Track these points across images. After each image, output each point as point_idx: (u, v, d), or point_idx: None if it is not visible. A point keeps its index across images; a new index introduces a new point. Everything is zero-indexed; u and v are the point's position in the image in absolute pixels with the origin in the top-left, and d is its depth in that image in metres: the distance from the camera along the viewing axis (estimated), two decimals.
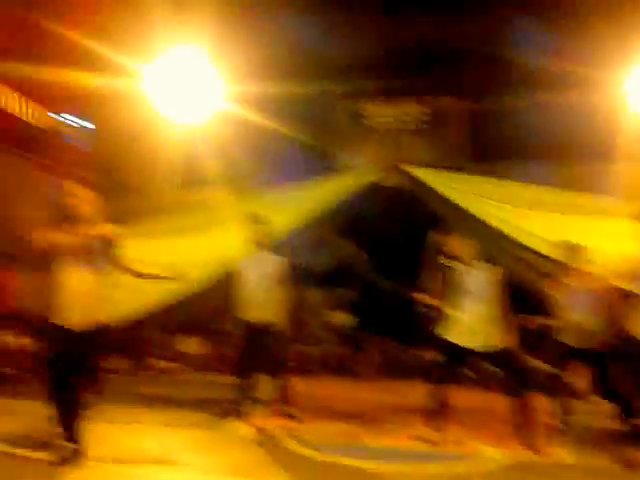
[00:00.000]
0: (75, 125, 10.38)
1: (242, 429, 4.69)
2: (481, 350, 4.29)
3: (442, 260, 4.42)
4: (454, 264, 4.39)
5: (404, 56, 10.05)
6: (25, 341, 7.26)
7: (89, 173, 9.59)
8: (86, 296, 3.61)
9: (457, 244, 4.42)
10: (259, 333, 5.03)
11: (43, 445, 3.65)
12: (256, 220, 5.22)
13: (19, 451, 3.71)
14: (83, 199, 3.91)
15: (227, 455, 3.93)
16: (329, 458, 3.87)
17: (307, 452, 4.03)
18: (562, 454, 4.20)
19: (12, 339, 7.11)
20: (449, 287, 4.35)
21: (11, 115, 8.25)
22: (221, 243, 6.97)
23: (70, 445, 3.49)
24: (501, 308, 4.30)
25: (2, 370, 6.63)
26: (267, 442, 4.32)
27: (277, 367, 5.08)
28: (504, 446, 4.29)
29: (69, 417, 3.52)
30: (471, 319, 4.28)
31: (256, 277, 5.06)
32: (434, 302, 4.41)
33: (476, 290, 4.30)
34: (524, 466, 3.87)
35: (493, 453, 4.20)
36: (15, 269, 8.40)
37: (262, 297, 5.03)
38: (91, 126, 10.71)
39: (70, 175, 9.59)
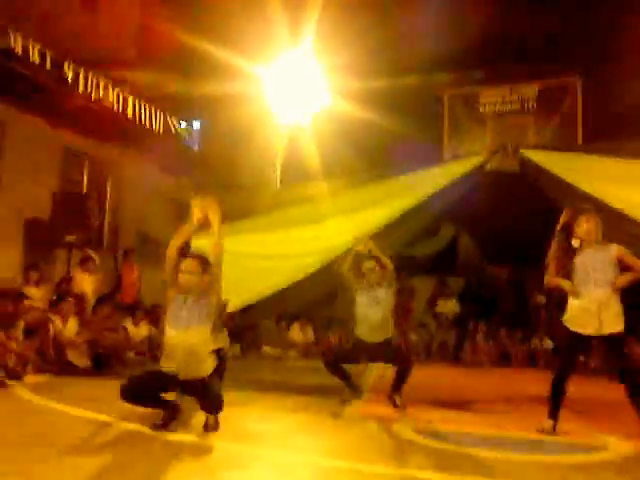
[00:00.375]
0: (189, 126, 10.97)
1: (351, 413, 4.80)
2: (603, 336, 4.07)
3: (573, 242, 4.21)
4: (584, 246, 4.17)
5: (509, 40, 9.72)
6: (143, 328, 7.86)
7: (201, 172, 10.16)
8: None
9: (588, 225, 4.17)
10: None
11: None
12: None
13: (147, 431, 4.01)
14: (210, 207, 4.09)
15: (338, 438, 4.02)
16: (435, 444, 3.86)
17: (414, 437, 4.05)
18: None
19: (131, 326, 7.70)
20: (576, 270, 4.15)
21: (130, 118, 8.86)
22: (327, 235, 7.14)
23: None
24: (620, 292, 4.07)
25: (122, 354, 7.18)
26: (375, 427, 4.39)
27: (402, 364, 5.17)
28: (627, 437, 4.08)
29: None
30: (595, 304, 4.07)
31: (368, 303, 5.25)
32: (567, 285, 4.20)
33: (602, 273, 4.08)
34: None
35: (614, 444, 4.01)
36: (138, 263, 9.09)
37: (375, 321, 5.20)
38: (203, 126, 11.28)
39: (185, 173, 10.25)
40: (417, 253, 9.62)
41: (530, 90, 10.24)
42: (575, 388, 4.22)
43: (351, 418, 4.73)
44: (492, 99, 10.30)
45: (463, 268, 10.24)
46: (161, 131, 9.34)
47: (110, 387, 5.73)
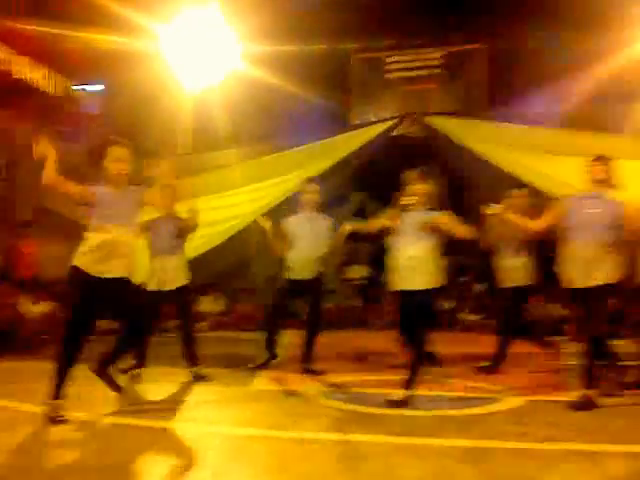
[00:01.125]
0: (88, 89, 10.37)
1: (261, 382, 4.84)
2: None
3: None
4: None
5: (415, 6, 9.81)
6: (44, 306, 7.50)
7: (102, 138, 9.66)
8: None
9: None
10: (301, 290, 5.20)
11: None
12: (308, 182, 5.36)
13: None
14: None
15: (249, 408, 4.04)
16: (344, 406, 3.96)
17: (324, 401, 4.13)
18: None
19: (31, 305, 7.33)
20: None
21: (27, 83, 8.26)
22: (237, 203, 7.05)
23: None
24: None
25: (24, 334, 6.84)
26: (286, 394, 4.45)
27: (313, 323, 5.21)
28: (517, 390, 4.37)
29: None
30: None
31: (307, 236, 5.19)
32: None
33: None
34: (543, 407, 3.92)
35: (506, 397, 4.29)
36: (34, 237, 8.61)
37: (311, 255, 5.18)
38: (103, 89, 10.67)
39: (84, 140, 9.71)
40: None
41: (435, 56, 10.41)
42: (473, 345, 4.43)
43: (261, 386, 4.76)
44: (398, 65, 10.39)
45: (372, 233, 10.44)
46: (55, 94, 8.77)
47: (4, 369, 5.51)
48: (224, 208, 7.21)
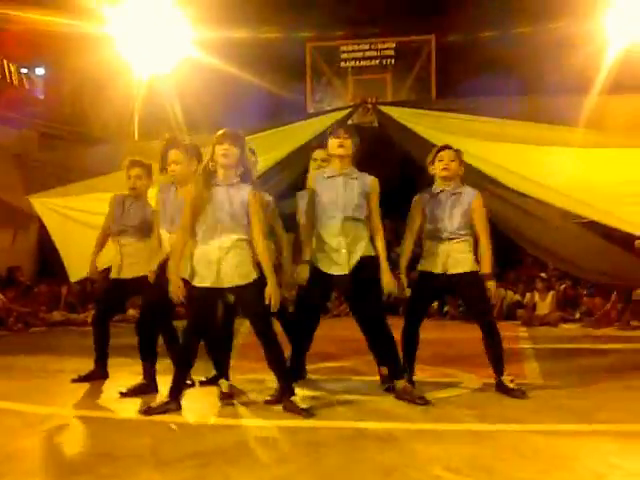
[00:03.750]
0: (31, 73, 9.99)
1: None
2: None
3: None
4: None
5: None
6: None
7: (47, 123, 9.32)
8: None
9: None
10: None
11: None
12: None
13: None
14: None
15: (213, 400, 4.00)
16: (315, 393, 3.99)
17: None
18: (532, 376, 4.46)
19: None
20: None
21: None
22: None
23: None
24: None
25: None
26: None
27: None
28: (476, 372, 4.50)
29: None
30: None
31: None
32: None
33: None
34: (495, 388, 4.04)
35: (465, 379, 4.41)
36: None
37: None
38: (48, 73, 10.31)
39: (29, 126, 9.36)
40: (284, 210, 9.65)
41: (388, 47, 10.51)
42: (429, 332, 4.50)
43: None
44: (353, 54, 10.45)
45: None
46: None
47: None
48: None
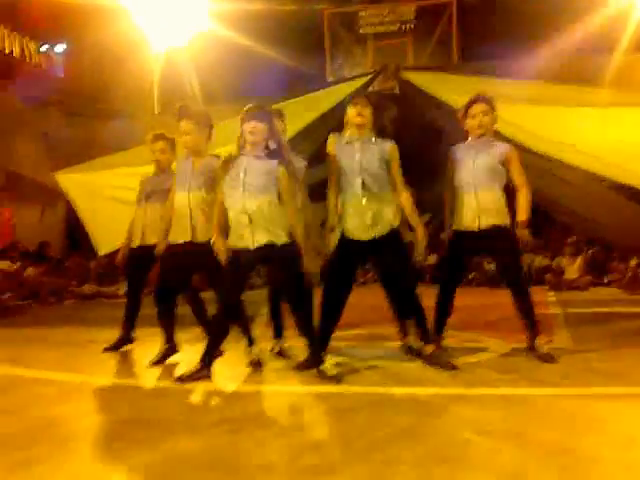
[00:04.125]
0: (51, 49, 10.01)
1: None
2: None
3: None
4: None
5: None
6: (30, 272, 7.41)
7: (69, 99, 9.36)
8: None
9: None
10: None
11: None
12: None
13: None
14: None
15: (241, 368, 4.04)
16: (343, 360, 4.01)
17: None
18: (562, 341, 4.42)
19: (8, 268, 7.24)
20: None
21: None
22: None
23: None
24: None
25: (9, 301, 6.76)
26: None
27: None
28: (504, 338, 4.47)
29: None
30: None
31: None
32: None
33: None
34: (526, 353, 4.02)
35: (493, 344, 4.38)
36: (10, 204, 8.44)
37: None
38: (66, 49, 10.31)
39: (52, 103, 9.42)
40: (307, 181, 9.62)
41: (408, 10, 10.27)
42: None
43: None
44: (372, 19, 10.24)
45: None
46: (18, 55, 8.44)
47: None
48: None
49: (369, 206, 3.70)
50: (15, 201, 8.62)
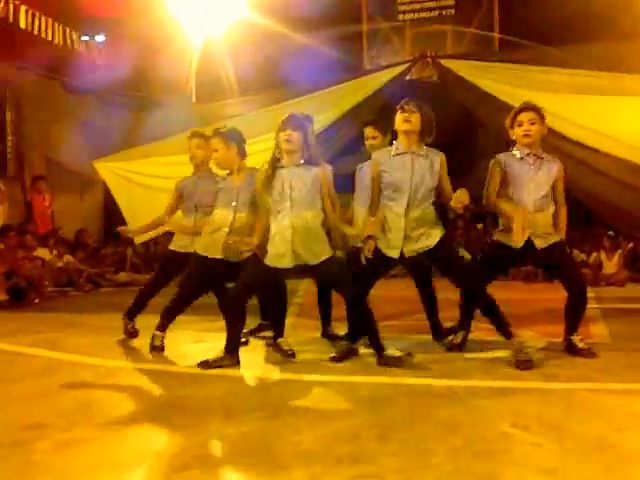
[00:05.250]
0: (92, 39, 10.16)
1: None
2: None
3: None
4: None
5: None
6: (66, 260, 7.58)
7: (109, 89, 9.49)
8: None
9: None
10: None
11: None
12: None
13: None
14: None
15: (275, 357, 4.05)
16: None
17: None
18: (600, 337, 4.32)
19: (47, 255, 7.39)
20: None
21: (32, 34, 8.07)
22: (254, 153, 6.95)
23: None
24: None
25: (40, 284, 6.89)
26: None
27: None
28: (537, 331, 4.39)
29: None
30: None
31: None
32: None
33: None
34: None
35: (531, 339, 4.30)
36: (49, 191, 8.63)
37: None
38: (105, 39, 10.45)
39: (92, 92, 9.57)
40: (341, 171, 9.57)
41: None
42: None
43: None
44: (410, 6, 10.10)
45: None
46: (61, 45, 8.58)
47: (28, 319, 5.62)
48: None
49: (410, 225, 3.61)
50: (55, 189, 8.80)
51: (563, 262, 3.86)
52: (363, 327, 3.74)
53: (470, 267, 3.78)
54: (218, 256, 3.88)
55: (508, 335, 3.67)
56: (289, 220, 3.51)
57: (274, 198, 3.57)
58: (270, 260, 3.57)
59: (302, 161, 3.57)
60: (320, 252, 3.56)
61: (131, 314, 4.57)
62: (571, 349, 3.80)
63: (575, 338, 3.81)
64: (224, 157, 3.93)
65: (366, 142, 4.29)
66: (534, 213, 3.73)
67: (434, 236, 3.62)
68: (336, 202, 3.85)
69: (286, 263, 3.54)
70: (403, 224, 3.59)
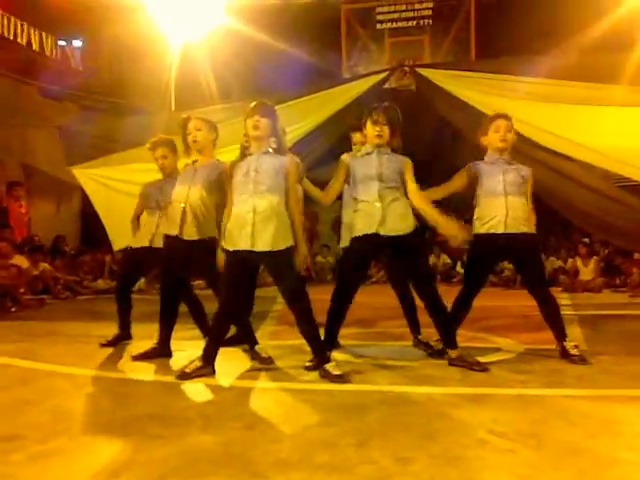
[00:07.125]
0: (68, 44, 10.07)
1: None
2: None
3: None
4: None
5: None
6: (43, 267, 7.47)
7: (86, 94, 9.42)
8: None
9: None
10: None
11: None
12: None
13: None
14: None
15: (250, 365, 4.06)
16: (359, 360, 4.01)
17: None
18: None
19: (23, 262, 7.29)
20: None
21: (7, 39, 7.97)
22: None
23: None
24: None
25: (15, 292, 6.79)
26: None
27: None
28: (515, 338, 4.44)
29: None
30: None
31: None
32: None
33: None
34: (541, 353, 3.99)
35: (508, 346, 4.36)
36: (26, 198, 8.52)
37: None
38: (82, 44, 10.36)
39: (69, 97, 9.48)
40: (320, 178, 9.61)
41: (425, 6, 10.22)
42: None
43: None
44: (389, 16, 10.20)
45: None
46: (36, 50, 8.49)
47: (5, 327, 5.53)
48: None
49: (382, 204, 3.69)
50: (31, 195, 8.69)
51: (530, 256, 3.93)
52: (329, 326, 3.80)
53: (429, 270, 3.86)
54: (173, 232, 3.90)
55: (452, 344, 3.75)
56: (251, 202, 3.46)
57: (239, 180, 3.52)
58: (227, 243, 3.52)
59: (270, 150, 3.55)
60: (280, 240, 3.46)
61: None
62: (564, 355, 3.85)
63: (568, 345, 3.87)
64: (204, 137, 3.93)
65: (353, 147, 4.35)
66: (506, 196, 3.84)
67: (408, 223, 3.69)
68: (300, 199, 3.89)
69: (242, 246, 3.45)
70: (374, 206, 3.67)
